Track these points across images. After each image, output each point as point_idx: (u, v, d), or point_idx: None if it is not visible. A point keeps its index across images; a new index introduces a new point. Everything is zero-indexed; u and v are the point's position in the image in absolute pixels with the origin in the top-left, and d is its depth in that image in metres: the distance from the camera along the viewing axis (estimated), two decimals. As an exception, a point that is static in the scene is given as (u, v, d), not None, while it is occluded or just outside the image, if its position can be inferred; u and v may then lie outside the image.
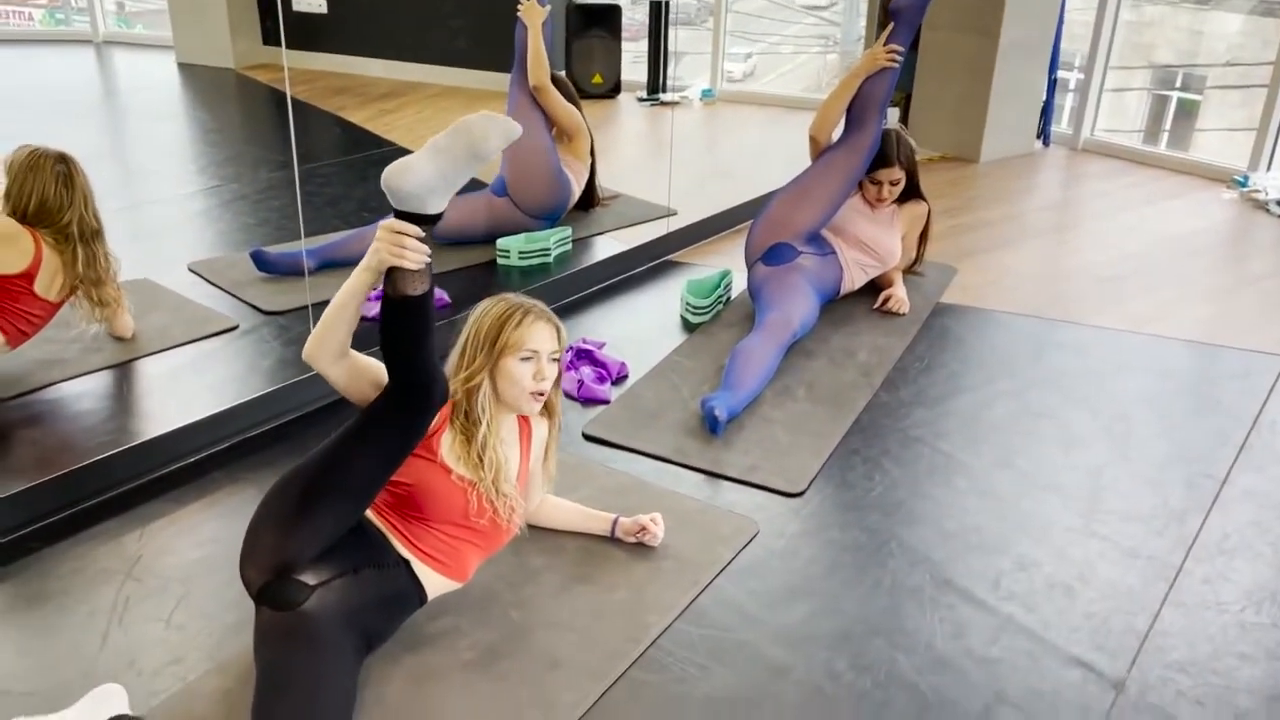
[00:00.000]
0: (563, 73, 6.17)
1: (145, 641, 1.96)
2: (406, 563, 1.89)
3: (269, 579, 1.76)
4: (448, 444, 1.91)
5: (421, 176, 1.68)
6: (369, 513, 1.91)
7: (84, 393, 2.81)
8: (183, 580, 2.14)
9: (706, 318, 3.39)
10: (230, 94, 6.55)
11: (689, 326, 3.37)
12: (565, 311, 3.48)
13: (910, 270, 3.66)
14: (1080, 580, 2.20)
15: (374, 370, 1.85)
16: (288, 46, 7.05)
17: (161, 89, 6.63)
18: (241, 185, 4.66)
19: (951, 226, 4.34)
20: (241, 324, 3.21)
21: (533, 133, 3.85)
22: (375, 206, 4.23)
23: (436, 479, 1.89)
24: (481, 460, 1.91)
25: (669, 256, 3.97)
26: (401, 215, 1.71)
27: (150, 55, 7.15)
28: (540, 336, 1.94)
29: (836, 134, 3.40)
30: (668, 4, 6.38)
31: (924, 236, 3.61)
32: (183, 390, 2.87)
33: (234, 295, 3.41)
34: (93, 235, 2.80)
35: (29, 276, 2.71)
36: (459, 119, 1.72)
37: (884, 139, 3.38)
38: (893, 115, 5.54)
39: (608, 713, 1.82)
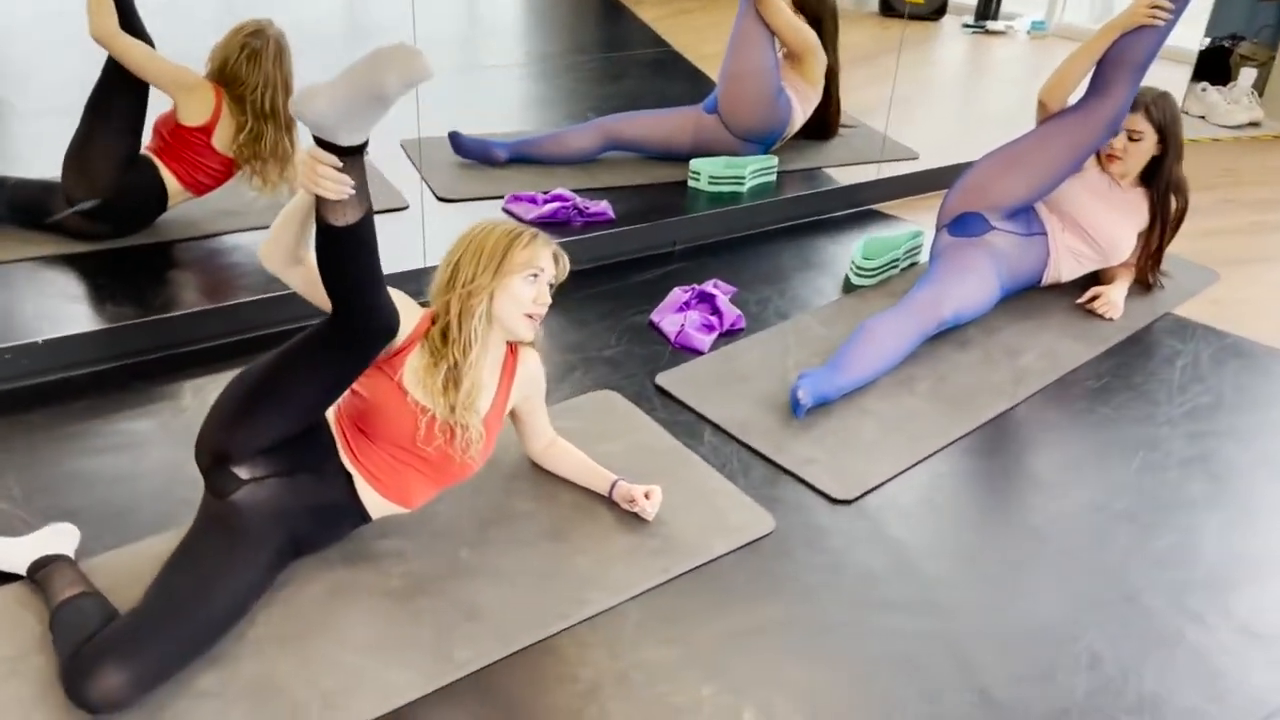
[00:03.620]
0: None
1: (142, 492, 2.09)
2: (349, 476, 1.86)
3: (209, 465, 1.80)
4: (412, 364, 1.84)
5: (319, 106, 1.54)
6: (331, 416, 1.89)
7: (242, 245, 3.01)
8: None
9: (871, 281, 3.04)
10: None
11: (849, 287, 3.03)
12: (732, 245, 3.28)
13: (1142, 277, 3.03)
14: (1140, 695, 1.76)
15: None
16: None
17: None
18: (501, 69, 4.77)
19: (1251, 223, 3.57)
20: (413, 205, 3.29)
21: (752, 49, 3.58)
22: (606, 109, 4.17)
23: (390, 399, 1.83)
24: (456, 385, 1.82)
25: (875, 205, 3.59)
26: (320, 143, 1.61)
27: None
28: (547, 259, 1.89)
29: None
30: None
31: (1164, 234, 2.97)
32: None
33: (422, 175, 3.50)
34: (267, 117, 2.91)
35: (208, 130, 2.90)
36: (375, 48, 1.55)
37: (1140, 91, 2.78)
38: (1246, 78, 4.61)
39: (485, 682, 1.71)
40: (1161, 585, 1.99)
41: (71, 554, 1.85)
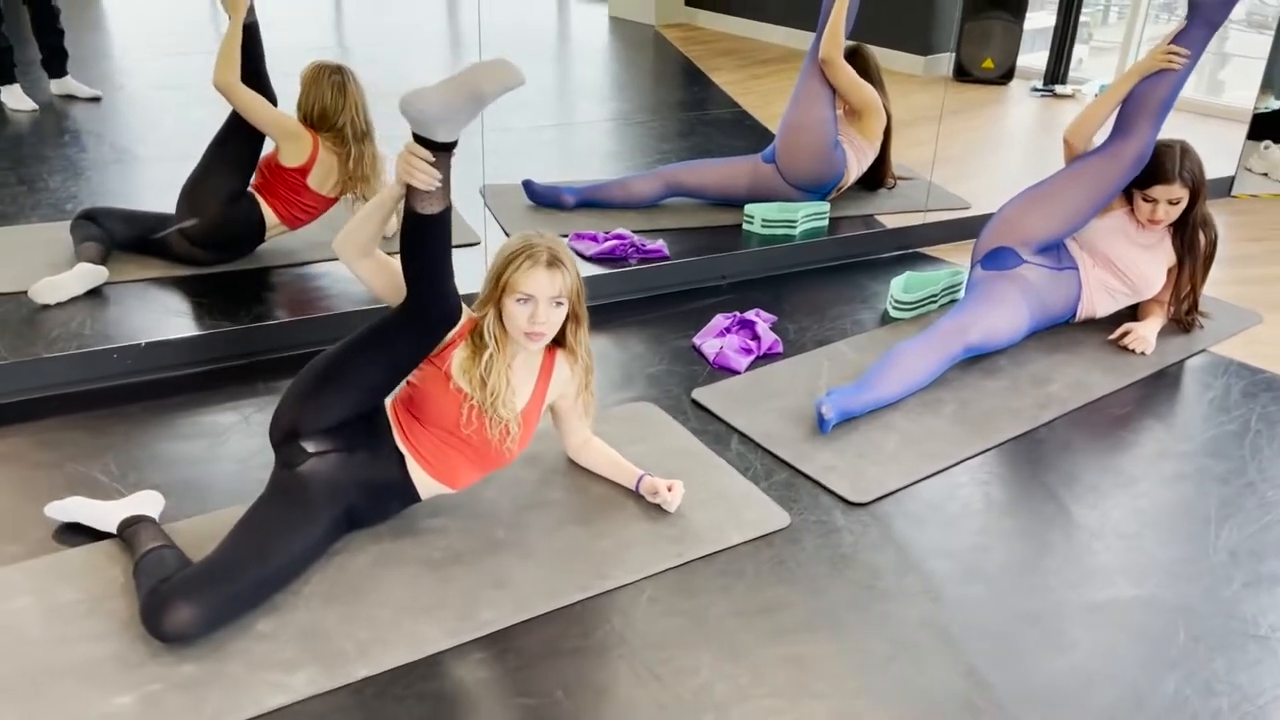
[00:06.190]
0: (951, 55, 5.93)
1: (220, 472, 2.34)
2: (401, 456, 2.08)
3: (281, 440, 2.04)
4: (459, 357, 2.06)
5: (426, 105, 1.83)
6: (388, 402, 2.12)
7: (329, 272, 3.30)
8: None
9: (908, 315, 3.18)
10: (640, 48, 7.05)
11: (887, 320, 3.18)
12: (779, 280, 3.46)
13: (1180, 318, 3.11)
14: (1110, 678, 1.85)
15: (398, 273, 2.02)
16: (702, 7, 7.45)
17: (590, 38, 7.34)
18: (584, 125, 5.09)
19: (1302, 271, 3.61)
20: (486, 241, 3.56)
21: (813, 104, 3.79)
22: (673, 160, 4.42)
23: (438, 386, 2.05)
24: (485, 381, 2.04)
25: (923, 248, 3.73)
26: (418, 139, 1.88)
27: (596, 7, 7.88)
28: (538, 283, 1.98)
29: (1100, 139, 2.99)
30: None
31: (1193, 274, 3.04)
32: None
33: (495, 216, 3.78)
34: (362, 136, 3.25)
35: (304, 171, 3.23)
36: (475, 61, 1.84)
37: (1164, 151, 2.91)
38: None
39: (504, 640, 1.89)
40: (1156, 590, 2.08)
41: (156, 517, 2.11)
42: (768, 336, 2.94)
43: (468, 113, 1.86)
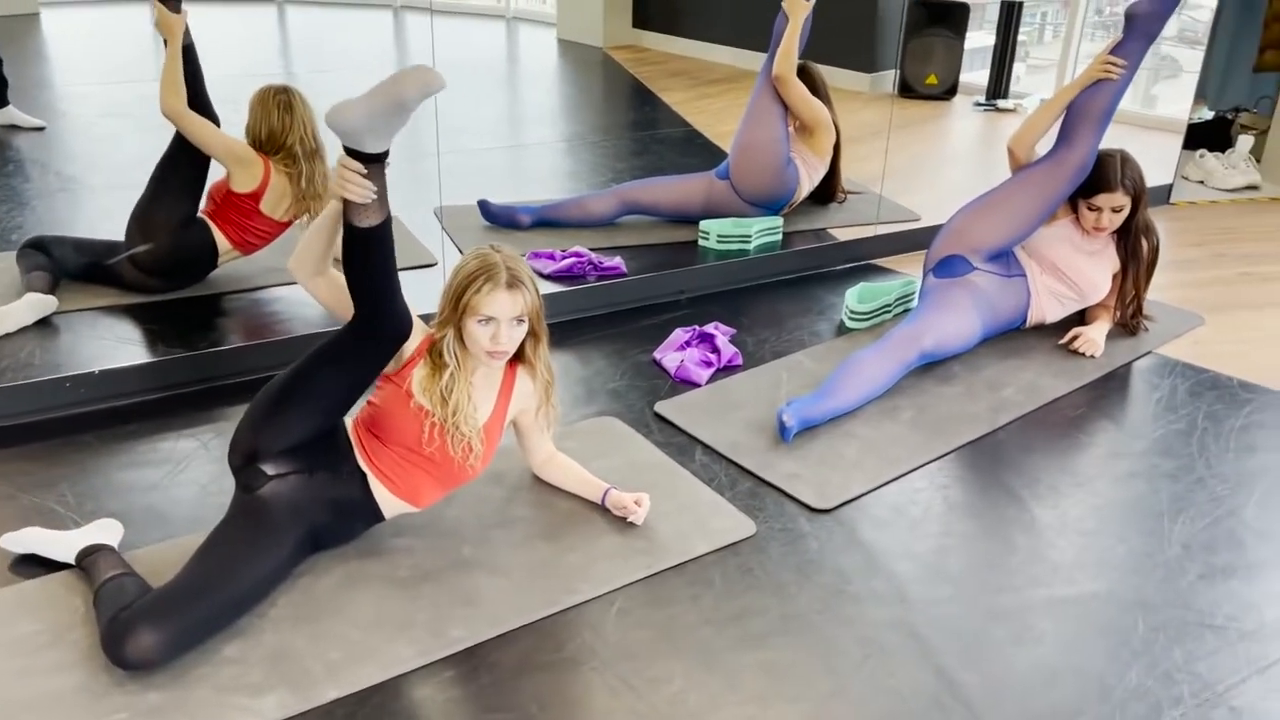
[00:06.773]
0: (895, 72, 6.05)
1: (179, 499, 2.31)
2: (363, 475, 2.07)
3: (240, 464, 2.02)
4: (418, 375, 2.05)
5: (352, 116, 1.82)
6: (349, 421, 2.11)
7: (284, 297, 3.28)
8: (247, 459, 2.48)
9: (864, 325, 3.22)
10: (589, 69, 7.10)
11: (843, 330, 3.22)
12: (736, 294, 3.49)
13: (1125, 321, 3.19)
14: (1076, 671, 1.88)
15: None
16: (649, 29, 7.53)
17: (539, 61, 7.38)
18: (537, 147, 5.11)
19: (1239, 274, 3.72)
20: (443, 262, 3.56)
21: (765, 122, 3.84)
22: (628, 179, 4.45)
23: (398, 403, 2.04)
24: (446, 399, 2.03)
25: (875, 259, 3.79)
26: (349, 152, 1.87)
27: (544, 30, 7.93)
28: (499, 305, 1.98)
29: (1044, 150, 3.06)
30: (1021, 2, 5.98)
31: (1137, 279, 3.13)
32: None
33: (451, 237, 3.78)
34: (311, 154, 3.21)
35: (256, 196, 3.20)
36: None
37: (1105, 161, 2.99)
38: (1244, 144, 4.78)
39: (476, 657, 1.88)
40: (1115, 584, 2.12)
41: (115, 545, 2.07)
42: (727, 349, 2.96)
43: (393, 121, 1.84)
